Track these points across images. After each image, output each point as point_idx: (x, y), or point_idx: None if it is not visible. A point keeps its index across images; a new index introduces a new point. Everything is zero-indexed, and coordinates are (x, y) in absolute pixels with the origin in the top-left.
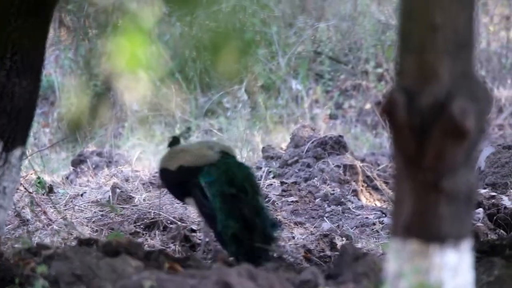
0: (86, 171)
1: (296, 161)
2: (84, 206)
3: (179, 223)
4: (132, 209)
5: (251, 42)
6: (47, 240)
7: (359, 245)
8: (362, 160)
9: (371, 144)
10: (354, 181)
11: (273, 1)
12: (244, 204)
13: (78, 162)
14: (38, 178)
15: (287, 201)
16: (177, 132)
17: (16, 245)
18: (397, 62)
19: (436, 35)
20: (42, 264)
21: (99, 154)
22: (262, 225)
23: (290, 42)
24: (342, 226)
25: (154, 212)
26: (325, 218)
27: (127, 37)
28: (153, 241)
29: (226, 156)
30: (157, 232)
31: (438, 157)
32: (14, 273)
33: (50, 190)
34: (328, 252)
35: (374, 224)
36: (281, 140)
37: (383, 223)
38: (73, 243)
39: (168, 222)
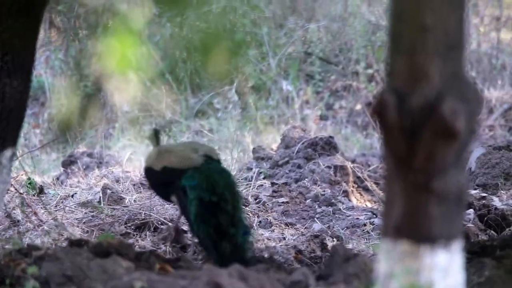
0: (76, 172)
1: (287, 162)
2: (75, 207)
3: (170, 224)
4: (123, 210)
5: (241, 43)
6: (37, 241)
7: (349, 246)
8: (353, 161)
9: (362, 145)
10: (344, 182)
11: (263, 2)
12: (222, 212)
13: (68, 163)
14: (29, 179)
15: (278, 202)
16: (155, 125)
17: (6, 246)
18: (387, 63)
19: (427, 36)
20: (33, 265)
21: (90, 155)
22: (235, 234)
23: (280, 43)
24: (333, 227)
25: (145, 213)
26: (315, 219)
27: (117, 38)
28: (144, 242)
29: (210, 160)
30: (148, 233)
31: (428, 158)
32: (5, 274)
33: (41, 191)
34: (319, 253)
35: (364, 225)
36: (272, 141)
37: (373, 224)
38: (64, 244)
39: (159, 223)
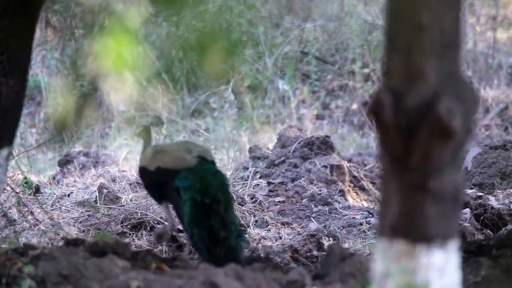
0: (73, 171)
1: (283, 161)
2: (71, 206)
3: (166, 223)
4: (119, 209)
5: (237, 42)
6: (34, 240)
7: (346, 245)
8: (349, 160)
9: (358, 144)
10: (341, 181)
11: (260, 2)
12: (214, 214)
13: (64, 162)
14: (25, 178)
15: (274, 201)
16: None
17: (3, 245)
18: (383, 62)
19: (423, 35)
20: (29, 264)
21: (86, 154)
22: (228, 237)
23: (277, 42)
24: (329, 226)
25: (141, 212)
26: (312, 218)
27: (113, 38)
28: (140, 241)
29: (204, 161)
30: (144, 232)
31: (424, 157)
32: (1, 273)
33: (37, 190)
34: (315, 252)
35: (361, 224)
36: (268, 140)
37: (370, 223)
38: (60, 243)
39: (155, 222)
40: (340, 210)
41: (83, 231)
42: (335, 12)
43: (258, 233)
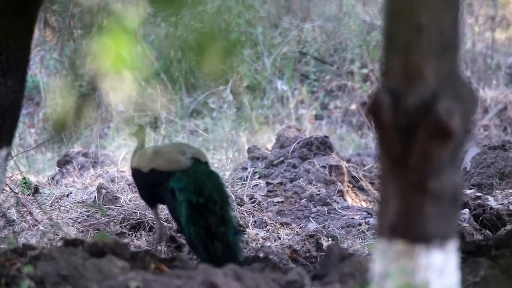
0: (71, 171)
1: (282, 162)
2: (70, 206)
3: (164, 223)
4: (118, 210)
5: (236, 42)
6: (33, 241)
7: (345, 246)
8: (348, 161)
9: (357, 145)
10: (340, 181)
11: (258, 2)
12: (211, 214)
13: (63, 162)
14: (24, 178)
15: (273, 201)
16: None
17: (2, 246)
18: (382, 62)
19: (421, 35)
20: (28, 265)
21: (85, 155)
22: (225, 235)
23: (275, 43)
24: (328, 227)
25: (140, 213)
26: (311, 218)
27: (112, 38)
28: (139, 242)
29: (198, 163)
30: (143, 232)
31: (423, 158)
32: (0, 274)
33: (36, 190)
34: (314, 253)
35: (360, 224)
36: (267, 141)
37: (369, 224)
38: (59, 244)
39: (154, 222)
40: (339, 211)
41: (82, 231)
42: (333, 12)
43: (257, 234)
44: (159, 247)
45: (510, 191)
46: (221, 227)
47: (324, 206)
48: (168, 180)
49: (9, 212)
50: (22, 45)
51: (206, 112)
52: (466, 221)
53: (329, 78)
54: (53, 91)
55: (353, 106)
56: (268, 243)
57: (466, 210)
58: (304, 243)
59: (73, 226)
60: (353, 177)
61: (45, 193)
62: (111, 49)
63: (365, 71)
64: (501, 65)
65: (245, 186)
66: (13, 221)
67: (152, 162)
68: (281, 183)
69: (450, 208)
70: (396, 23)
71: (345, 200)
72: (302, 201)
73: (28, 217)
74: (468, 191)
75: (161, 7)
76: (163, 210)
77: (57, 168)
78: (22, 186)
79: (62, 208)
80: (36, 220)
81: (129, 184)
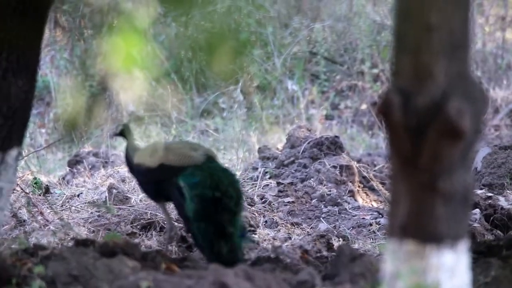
0: (82, 171)
1: (293, 162)
2: (81, 206)
3: (175, 224)
4: (129, 210)
5: (246, 42)
6: (44, 241)
7: (356, 246)
8: (359, 161)
9: (367, 145)
10: (350, 181)
11: (268, 2)
12: (224, 209)
13: (74, 162)
14: (35, 178)
15: (284, 201)
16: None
17: (13, 246)
18: (392, 62)
19: (432, 35)
20: (39, 265)
21: (96, 155)
22: (232, 234)
23: (285, 43)
24: (339, 227)
25: (150, 213)
26: (321, 218)
27: (122, 38)
28: (150, 242)
29: (211, 159)
30: (153, 232)
31: (434, 158)
32: (11, 274)
33: (47, 190)
34: (325, 253)
35: (370, 224)
36: (277, 141)
37: (379, 224)
38: (70, 244)
39: (165, 222)
40: (350, 211)
41: (93, 231)
42: (344, 12)
43: (268, 234)
44: (169, 247)
45: None
46: (230, 227)
47: (335, 206)
48: (177, 176)
49: (20, 212)
50: (33, 45)
51: (216, 112)
52: (477, 221)
53: (340, 78)
54: (63, 91)
55: (364, 106)
56: (279, 243)
57: (477, 210)
58: (315, 243)
59: (84, 226)
60: (364, 177)
61: (56, 193)
62: (122, 49)
63: (375, 71)
64: None
65: (255, 186)
66: (24, 221)
67: (161, 157)
68: (291, 183)
69: (461, 208)
70: (406, 23)
71: (355, 200)
72: (313, 201)
73: (39, 217)
74: (479, 191)
75: (172, 7)
76: (174, 210)
77: (67, 168)
78: (33, 186)
79: (73, 208)
80: (47, 220)
81: None
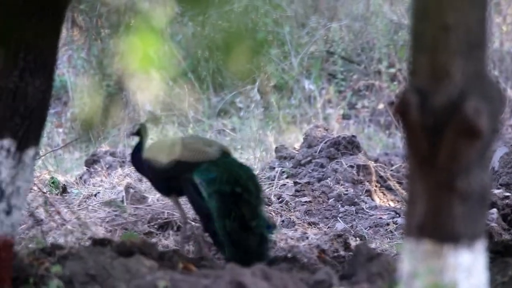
0: (99, 171)
1: (310, 161)
2: (98, 206)
3: (192, 223)
4: (146, 209)
5: (263, 42)
6: (61, 240)
7: (373, 246)
8: (376, 160)
9: (385, 144)
10: (367, 181)
11: (285, 1)
12: (246, 203)
13: (91, 162)
14: (52, 178)
15: (301, 201)
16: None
17: (30, 245)
18: (409, 62)
19: (449, 35)
20: (56, 264)
21: (113, 154)
22: (259, 227)
23: (302, 42)
24: (356, 227)
25: (167, 212)
26: (338, 218)
27: (139, 37)
28: (167, 241)
29: (227, 155)
30: (171, 232)
31: (451, 157)
32: (29, 273)
33: (64, 190)
34: (342, 252)
35: (388, 224)
36: (294, 140)
37: (397, 224)
38: (87, 243)
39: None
40: (367, 210)
41: (110, 231)
42: (361, 11)
43: (285, 233)
44: (186, 246)
45: None
46: (254, 220)
47: (352, 206)
48: (192, 172)
49: (37, 212)
50: (50, 44)
51: (233, 112)
52: (494, 221)
53: (357, 77)
54: (80, 90)
55: (381, 106)
56: (296, 243)
57: (494, 210)
58: (332, 243)
59: (101, 226)
60: (381, 176)
61: (73, 193)
62: (139, 49)
63: (392, 70)
64: None
65: (272, 186)
66: (41, 220)
67: (174, 153)
68: (308, 183)
69: (478, 208)
70: (423, 23)
71: (373, 199)
72: (330, 200)
73: (56, 217)
74: (496, 191)
75: (189, 6)
76: (191, 209)
77: (85, 168)
78: (50, 186)
79: (90, 207)
80: (64, 220)
81: None
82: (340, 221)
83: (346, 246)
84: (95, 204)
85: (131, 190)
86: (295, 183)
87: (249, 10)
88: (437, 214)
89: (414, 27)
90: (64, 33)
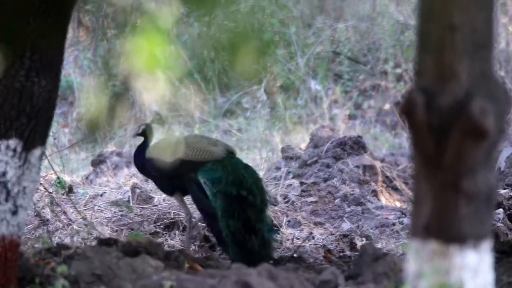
0: (105, 171)
1: (316, 162)
2: (104, 206)
3: (198, 223)
4: (152, 209)
5: (269, 42)
6: (67, 240)
7: (379, 245)
8: (382, 161)
9: (391, 145)
10: (373, 181)
11: (291, 2)
12: (251, 206)
13: (97, 162)
14: (58, 178)
15: (307, 201)
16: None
17: (36, 245)
18: (415, 62)
19: (455, 35)
20: (62, 264)
21: (119, 154)
22: (262, 229)
23: (309, 43)
24: (362, 227)
25: (173, 212)
26: (344, 218)
27: (145, 37)
28: (173, 241)
29: (232, 154)
30: (177, 232)
31: (457, 157)
32: (34, 273)
33: (70, 190)
34: (348, 252)
35: (394, 224)
36: (301, 141)
37: (403, 224)
38: (93, 243)
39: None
40: (373, 210)
41: (116, 231)
42: (367, 12)
43: (291, 233)
44: (192, 246)
45: None
46: (259, 223)
47: (358, 206)
48: (196, 171)
49: (44, 212)
50: (56, 45)
51: (239, 112)
52: (500, 221)
53: (363, 77)
54: (86, 90)
55: (387, 106)
56: (302, 243)
57: (500, 210)
58: (338, 243)
59: (107, 226)
60: (387, 177)
61: (79, 193)
62: (145, 49)
63: (398, 70)
64: None
65: (279, 186)
66: (47, 220)
67: (178, 152)
68: (314, 183)
69: (484, 208)
70: (429, 23)
71: (379, 200)
72: (336, 200)
73: (62, 217)
74: (502, 191)
75: (194, 7)
76: (197, 210)
77: (91, 168)
78: (56, 186)
79: (96, 207)
80: (70, 220)
81: None
82: (346, 221)
83: (352, 246)
84: (101, 204)
85: (137, 190)
86: (301, 183)
87: (255, 11)
88: (443, 214)
89: (420, 27)
90: (70, 33)
